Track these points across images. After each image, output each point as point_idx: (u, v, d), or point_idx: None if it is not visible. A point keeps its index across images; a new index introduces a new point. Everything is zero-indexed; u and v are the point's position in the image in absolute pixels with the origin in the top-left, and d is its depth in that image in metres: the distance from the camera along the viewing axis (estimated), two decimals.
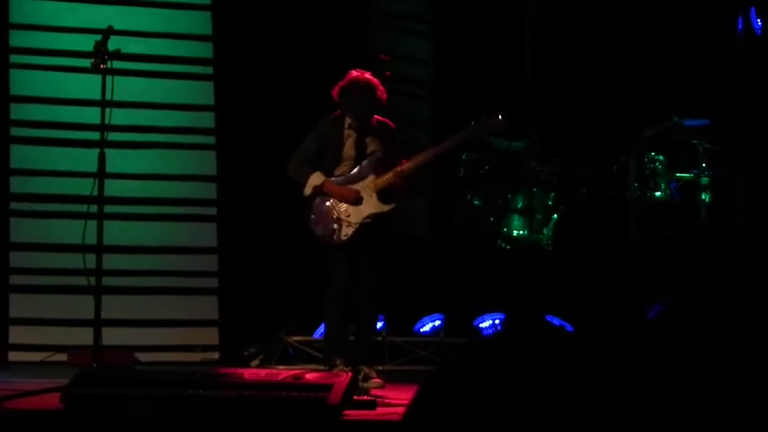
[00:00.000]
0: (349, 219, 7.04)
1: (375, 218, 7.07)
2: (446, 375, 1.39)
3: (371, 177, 7.09)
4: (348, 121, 7.11)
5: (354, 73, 7.05)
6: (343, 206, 7.06)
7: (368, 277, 7.06)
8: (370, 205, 7.07)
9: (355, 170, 7.11)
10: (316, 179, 7.04)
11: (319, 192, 7.06)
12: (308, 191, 7.05)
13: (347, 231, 7.03)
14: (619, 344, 1.51)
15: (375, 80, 7.05)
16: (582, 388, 1.40)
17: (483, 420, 1.32)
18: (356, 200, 7.05)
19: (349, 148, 7.12)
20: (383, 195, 7.09)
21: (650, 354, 1.55)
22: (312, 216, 7.10)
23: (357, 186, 7.08)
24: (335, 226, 7.04)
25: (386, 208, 7.09)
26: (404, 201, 7.34)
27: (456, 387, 1.36)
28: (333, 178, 7.09)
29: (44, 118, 8.90)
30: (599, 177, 8.58)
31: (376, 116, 7.13)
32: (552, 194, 8.58)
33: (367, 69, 7.16)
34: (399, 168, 7.06)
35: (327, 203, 7.07)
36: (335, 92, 7.04)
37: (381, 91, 7.03)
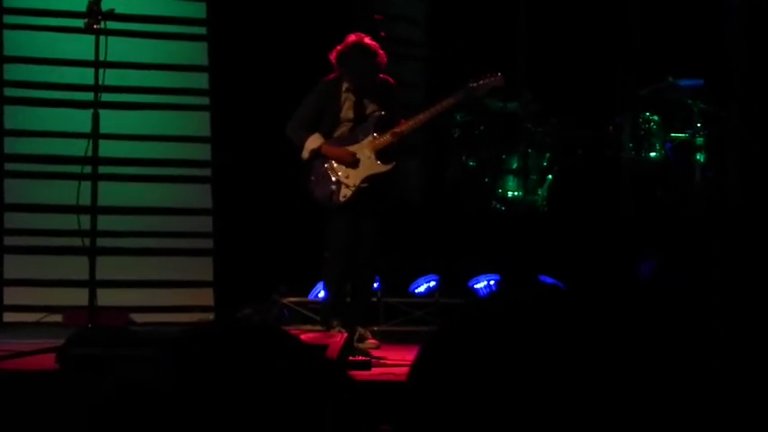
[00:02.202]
0: (347, 181, 7.01)
1: (374, 179, 7.05)
2: (447, 335, 1.40)
3: (370, 138, 7.06)
4: (346, 84, 7.06)
5: (353, 37, 6.97)
6: (342, 168, 7.03)
7: (368, 240, 7.05)
8: (369, 166, 7.04)
9: (354, 132, 7.08)
10: (312, 142, 7.01)
11: (317, 154, 7.03)
12: (305, 154, 7.02)
13: (345, 193, 7.00)
14: (616, 302, 1.51)
15: (375, 44, 6.97)
16: (579, 346, 1.40)
17: (486, 378, 1.33)
18: (353, 162, 7.02)
19: (347, 111, 7.07)
20: (382, 155, 7.06)
21: (642, 312, 1.56)
22: (312, 178, 7.07)
23: (355, 148, 7.05)
24: (334, 188, 7.01)
25: (385, 167, 7.06)
26: (399, 160, 7.30)
27: (458, 346, 1.36)
28: (331, 140, 7.06)
29: (37, 78, 8.85)
30: (594, 138, 8.56)
31: None
32: (547, 155, 8.55)
33: (361, 29, 7.09)
34: (398, 129, 7.03)
35: (326, 165, 7.04)
36: (334, 56, 6.98)
37: (381, 56, 6.96)
